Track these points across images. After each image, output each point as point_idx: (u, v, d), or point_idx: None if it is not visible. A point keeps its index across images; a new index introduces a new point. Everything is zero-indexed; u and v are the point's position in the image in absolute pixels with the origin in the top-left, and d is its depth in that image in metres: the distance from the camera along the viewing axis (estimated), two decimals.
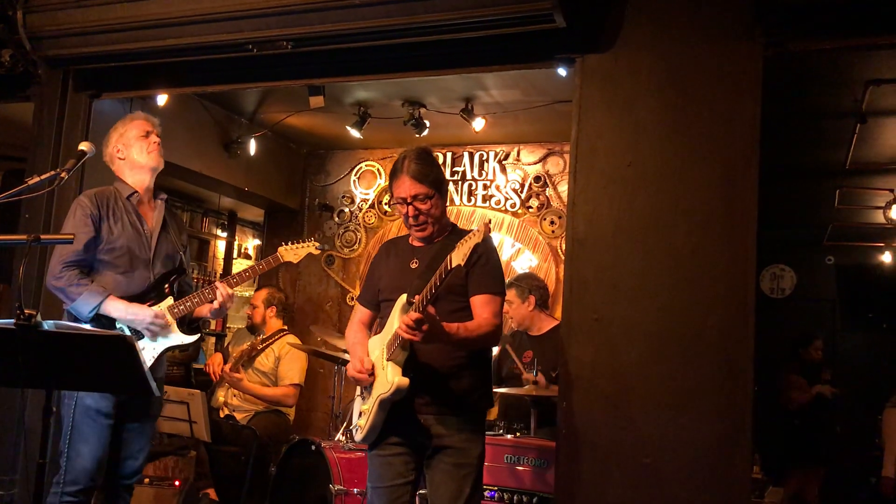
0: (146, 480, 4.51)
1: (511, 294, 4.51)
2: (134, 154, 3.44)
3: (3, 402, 4.35)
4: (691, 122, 3.40)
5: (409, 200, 2.97)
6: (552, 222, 6.01)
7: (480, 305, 2.93)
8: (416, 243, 3.08)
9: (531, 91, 5.06)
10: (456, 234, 3.05)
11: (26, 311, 2.40)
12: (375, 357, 2.95)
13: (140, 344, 3.21)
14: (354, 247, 6.60)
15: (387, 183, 5.35)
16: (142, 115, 3.57)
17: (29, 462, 4.10)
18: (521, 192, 6.11)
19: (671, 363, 3.31)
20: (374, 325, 3.19)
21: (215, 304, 3.39)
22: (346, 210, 6.66)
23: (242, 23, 3.88)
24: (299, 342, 5.50)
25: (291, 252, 3.60)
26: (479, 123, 5.45)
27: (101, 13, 4.12)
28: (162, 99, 4.89)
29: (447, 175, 6.25)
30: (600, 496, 3.34)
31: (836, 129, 5.14)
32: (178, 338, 3.39)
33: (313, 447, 4.31)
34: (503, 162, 6.19)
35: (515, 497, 3.79)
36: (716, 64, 3.39)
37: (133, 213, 3.42)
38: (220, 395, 5.44)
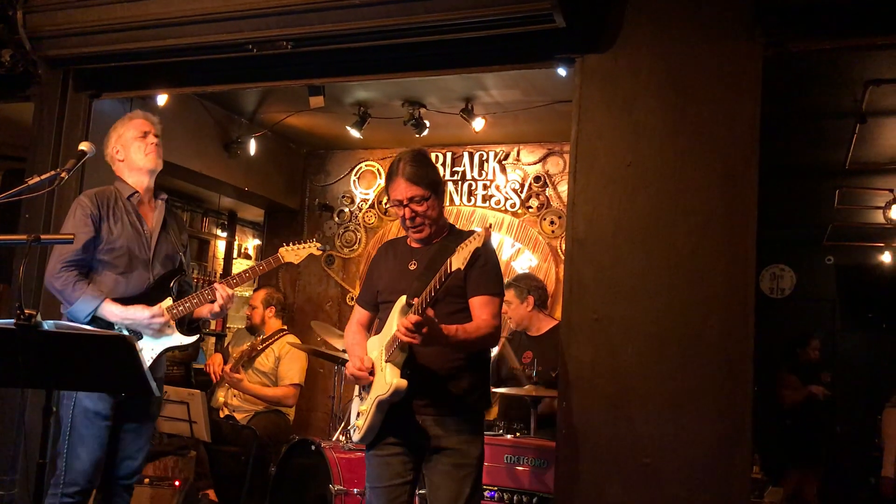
0: (146, 480, 4.50)
1: (510, 294, 4.51)
2: (132, 156, 3.43)
3: (3, 402, 4.35)
4: (691, 122, 3.40)
5: (405, 203, 2.97)
6: (552, 222, 6.01)
7: (479, 307, 2.93)
8: (415, 244, 3.08)
9: (531, 91, 5.06)
10: (454, 234, 3.05)
11: (26, 310, 2.40)
12: (374, 357, 2.95)
13: (139, 344, 3.21)
14: (354, 247, 6.60)
15: None
16: (140, 114, 3.56)
17: (29, 462, 4.10)
18: (521, 192, 6.11)
19: (671, 363, 3.31)
20: (374, 325, 3.19)
21: (216, 307, 3.39)
22: (346, 210, 6.66)
23: (242, 23, 3.88)
24: (299, 342, 5.50)
25: (292, 253, 3.59)
26: (478, 123, 5.45)
27: (101, 13, 4.12)
28: (162, 99, 4.89)
29: (447, 175, 6.26)
30: (600, 496, 3.33)
31: (835, 129, 5.14)
32: (178, 338, 3.38)
33: (313, 447, 4.31)
34: (503, 162, 6.20)
35: (515, 497, 3.79)
36: (716, 64, 3.39)
37: (133, 213, 3.41)
38: (220, 396, 5.44)
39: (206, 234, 8.18)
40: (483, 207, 6.21)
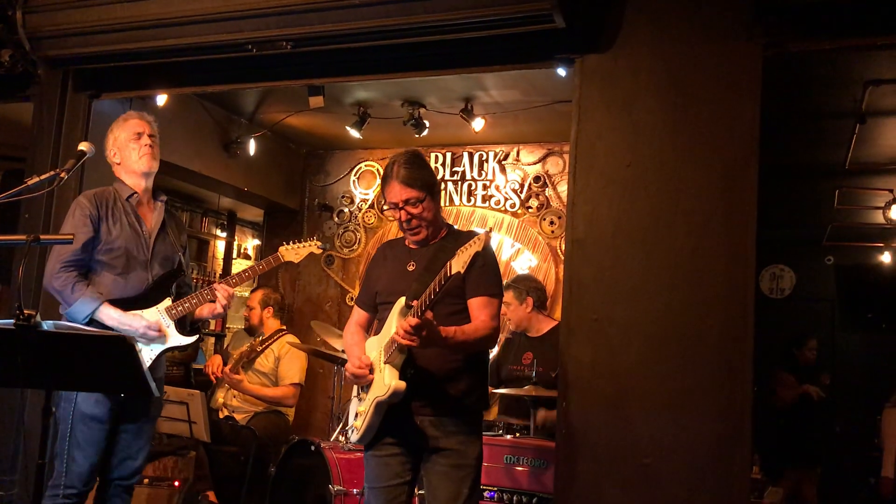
0: (145, 481, 4.50)
1: (509, 296, 4.51)
2: (127, 158, 3.42)
3: (3, 402, 4.35)
4: (691, 123, 3.40)
5: (400, 205, 2.96)
6: (552, 222, 6.01)
7: (478, 308, 2.92)
8: (413, 245, 3.08)
9: (531, 91, 5.06)
10: (452, 235, 3.05)
11: (26, 311, 2.40)
12: (373, 358, 2.95)
13: (138, 344, 3.21)
14: (354, 247, 6.60)
15: None
16: (134, 114, 3.53)
17: (28, 462, 4.10)
18: (521, 192, 6.11)
19: (671, 363, 3.31)
20: (373, 326, 3.19)
21: (217, 306, 3.39)
22: (346, 210, 6.66)
23: (242, 23, 3.88)
24: (298, 342, 5.49)
25: (292, 252, 3.58)
26: (478, 123, 5.45)
27: (100, 13, 4.12)
28: (162, 99, 4.89)
29: (447, 175, 6.26)
30: (599, 497, 3.34)
31: (835, 130, 5.14)
32: (177, 339, 3.37)
33: (313, 447, 4.31)
34: (503, 162, 6.19)
35: (515, 498, 3.79)
36: (715, 64, 3.39)
37: (132, 213, 3.41)
38: (220, 397, 5.43)
39: (206, 234, 8.18)
40: (483, 207, 6.21)
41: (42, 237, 2.67)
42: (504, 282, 4.06)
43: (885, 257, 7.43)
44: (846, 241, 7.50)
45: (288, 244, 3.60)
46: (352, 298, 6.31)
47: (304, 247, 3.60)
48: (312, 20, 3.76)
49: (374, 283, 3.12)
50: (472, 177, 6.25)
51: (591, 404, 3.40)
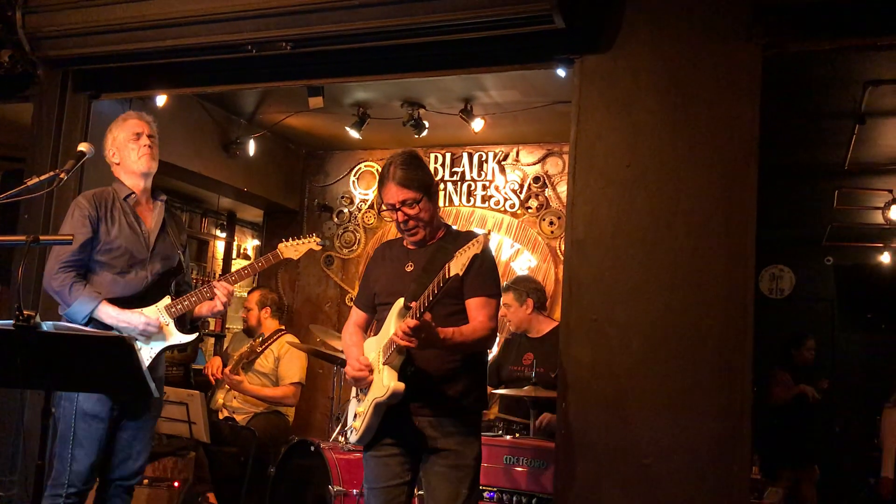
0: (145, 482, 4.50)
1: (508, 297, 4.51)
2: (126, 158, 3.42)
3: (3, 402, 4.35)
4: (691, 123, 3.40)
5: (397, 206, 2.96)
6: (551, 223, 6.01)
7: (476, 308, 2.92)
8: (411, 246, 3.07)
9: (530, 91, 5.07)
10: (451, 235, 3.04)
11: (25, 311, 2.40)
12: (371, 359, 2.95)
13: (137, 343, 3.20)
14: (353, 247, 6.60)
15: None
16: (133, 114, 3.53)
17: (28, 462, 4.10)
18: (521, 192, 6.11)
19: (670, 364, 3.30)
20: (371, 326, 3.19)
21: (217, 304, 3.39)
22: (346, 210, 6.66)
23: (242, 23, 3.88)
24: (298, 341, 5.49)
25: (292, 248, 3.58)
26: (478, 124, 5.45)
27: (100, 13, 4.12)
28: (161, 99, 4.89)
29: (446, 176, 6.26)
30: (599, 497, 3.33)
31: (835, 130, 5.14)
32: (176, 337, 3.37)
33: (312, 448, 4.31)
34: (502, 162, 6.19)
35: (514, 498, 3.79)
36: (715, 64, 3.39)
37: (131, 213, 3.40)
38: (220, 398, 5.43)
39: (206, 234, 8.18)
40: (482, 208, 6.21)
41: (41, 238, 2.66)
42: (504, 283, 4.06)
43: (885, 257, 7.44)
44: (846, 242, 7.51)
45: (287, 241, 3.60)
46: (351, 299, 6.31)
47: (303, 243, 3.59)
48: (312, 21, 3.76)
49: (373, 283, 3.12)
50: (471, 177, 6.25)
51: (590, 405, 3.40)
